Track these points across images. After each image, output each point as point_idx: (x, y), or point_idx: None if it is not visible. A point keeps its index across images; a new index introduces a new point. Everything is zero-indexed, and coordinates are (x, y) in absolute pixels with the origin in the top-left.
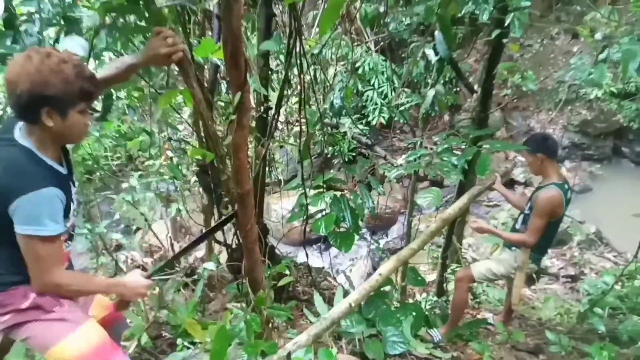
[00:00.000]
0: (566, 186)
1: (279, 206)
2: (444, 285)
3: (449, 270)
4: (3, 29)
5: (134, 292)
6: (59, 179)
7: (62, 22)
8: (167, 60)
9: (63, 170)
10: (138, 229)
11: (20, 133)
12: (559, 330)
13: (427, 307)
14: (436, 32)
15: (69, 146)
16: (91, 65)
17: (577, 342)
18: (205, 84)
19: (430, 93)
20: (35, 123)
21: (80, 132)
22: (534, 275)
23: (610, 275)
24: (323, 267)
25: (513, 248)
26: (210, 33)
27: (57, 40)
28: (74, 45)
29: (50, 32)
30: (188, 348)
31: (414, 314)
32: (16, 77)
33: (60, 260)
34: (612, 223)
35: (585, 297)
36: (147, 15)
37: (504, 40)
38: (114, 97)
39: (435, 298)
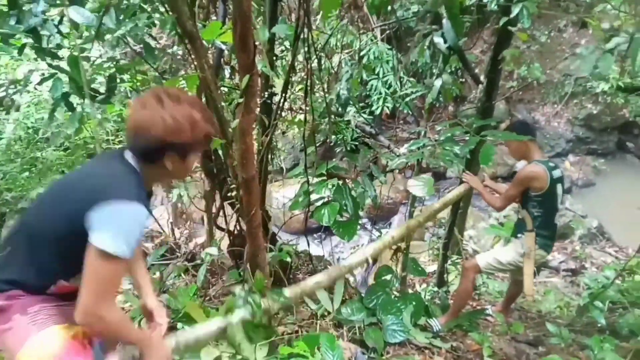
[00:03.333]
0: (551, 164)
1: (280, 194)
2: (445, 276)
3: (449, 262)
4: (7, 9)
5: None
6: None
7: (67, 2)
8: None
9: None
10: None
11: (131, 158)
12: (559, 323)
13: (427, 297)
14: (444, 20)
15: None
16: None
17: (576, 335)
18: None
19: (437, 83)
20: (152, 162)
21: (189, 172)
22: (534, 269)
23: (611, 270)
24: (323, 256)
25: (519, 235)
26: (214, 17)
27: (60, 22)
28: (78, 16)
29: (54, 12)
30: None
31: (414, 303)
32: (149, 123)
33: (116, 291)
34: (614, 218)
35: (585, 291)
36: None
37: (513, 29)
38: (118, 80)
39: (435, 289)
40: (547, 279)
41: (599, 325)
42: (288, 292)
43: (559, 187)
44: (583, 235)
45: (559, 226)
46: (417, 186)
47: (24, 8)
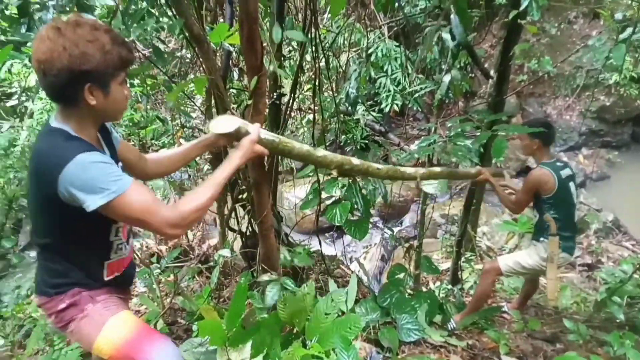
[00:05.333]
0: (558, 164)
1: (292, 194)
2: (459, 273)
3: (463, 259)
4: (17, 17)
5: (251, 152)
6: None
7: (75, 9)
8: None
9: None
10: None
11: (55, 119)
12: (576, 319)
13: (442, 295)
14: (452, 16)
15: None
16: None
17: (594, 331)
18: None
19: (446, 79)
20: (75, 104)
21: (121, 106)
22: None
23: (628, 264)
24: (336, 255)
25: (541, 239)
26: (222, 20)
27: None
28: None
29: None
30: None
31: (428, 302)
32: (49, 54)
33: (154, 201)
34: (630, 211)
35: (602, 285)
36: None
37: (522, 22)
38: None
39: (449, 286)
40: (562, 275)
41: (618, 320)
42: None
43: (572, 185)
44: (598, 229)
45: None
46: (430, 184)
47: (34, 16)
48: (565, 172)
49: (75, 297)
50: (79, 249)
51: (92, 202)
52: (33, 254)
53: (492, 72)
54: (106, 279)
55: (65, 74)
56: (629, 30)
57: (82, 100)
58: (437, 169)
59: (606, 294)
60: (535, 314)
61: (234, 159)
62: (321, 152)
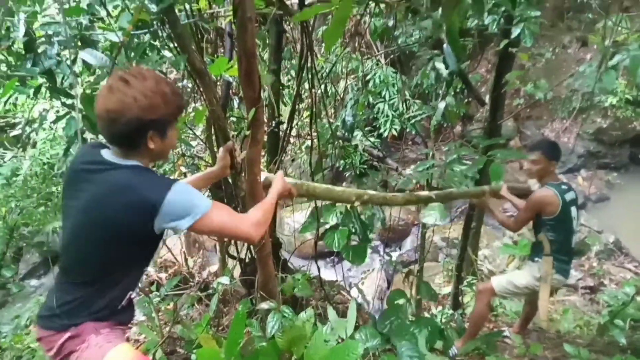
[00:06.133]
0: (563, 187)
1: (291, 219)
2: (460, 298)
3: (464, 283)
4: (23, 52)
5: (285, 190)
6: None
7: (80, 44)
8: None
9: None
10: None
11: (115, 157)
12: (579, 343)
13: (443, 320)
14: (445, 45)
15: None
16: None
17: (597, 355)
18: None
19: (441, 105)
20: (136, 148)
21: (173, 148)
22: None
23: (631, 286)
24: (336, 281)
25: (536, 259)
26: (222, 51)
27: (74, 61)
28: (90, 58)
29: (67, 53)
30: None
31: (429, 327)
32: (121, 105)
33: (233, 213)
34: (631, 232)
35: (605, 308)
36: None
37: (514, 50)
38: None
39: (450, 311)
40: (565, 298)
41: (620, 344)
42: (400, 195)
43: (573, 210)
44: (600, 251)
45: (574, 243)
46: (429, 215)
47: (39, 51)
48: (570, 196)
49: (79, 328)
50: (119, 279)
51: (183, 224)
52: (33, 282)
53: (487, 97)
54: (119, 306)
55: (135, 123)
56: (617, 57)
57: (144, 144)
58: (451, 190)
59: (608, 317)
60: (537, 339)
61: (276, 185)
62: (339, 188)
